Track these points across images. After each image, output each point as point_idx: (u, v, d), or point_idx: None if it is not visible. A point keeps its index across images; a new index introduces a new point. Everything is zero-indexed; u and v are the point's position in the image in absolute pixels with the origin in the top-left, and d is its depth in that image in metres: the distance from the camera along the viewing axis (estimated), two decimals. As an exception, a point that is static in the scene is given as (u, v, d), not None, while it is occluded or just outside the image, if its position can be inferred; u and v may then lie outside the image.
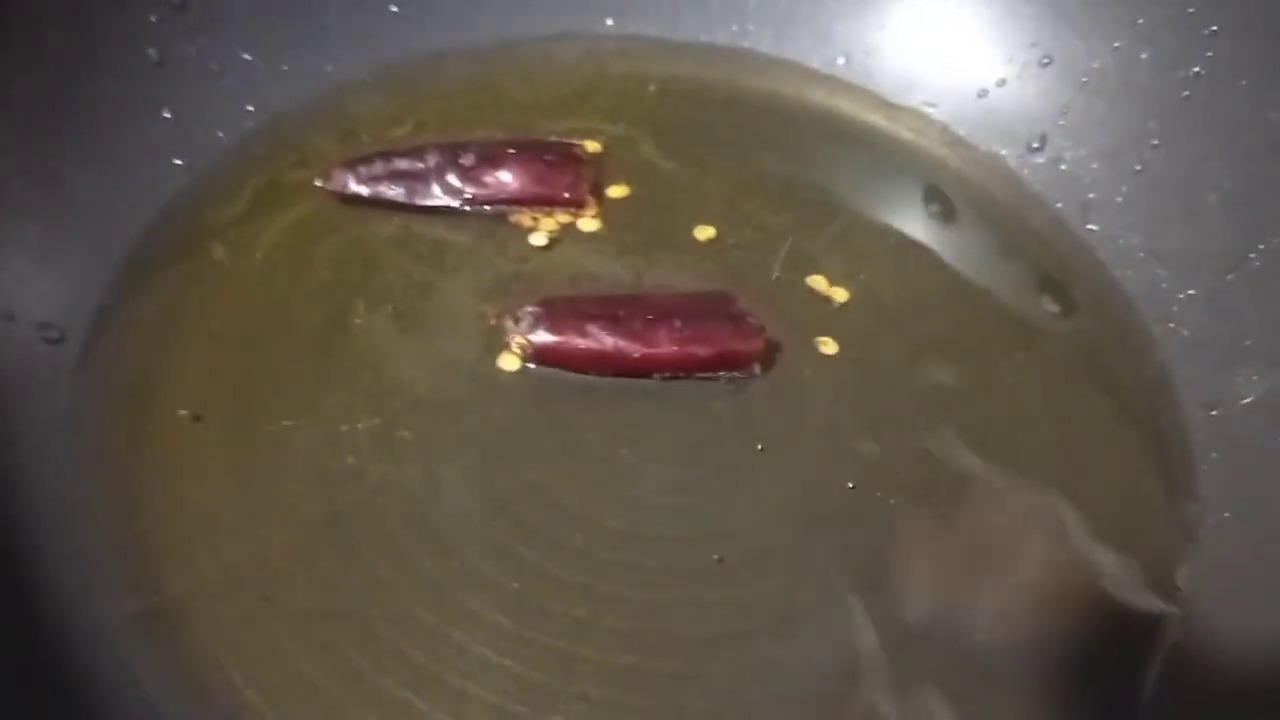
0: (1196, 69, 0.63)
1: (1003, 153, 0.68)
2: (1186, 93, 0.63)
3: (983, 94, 0.69)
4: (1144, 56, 0.65)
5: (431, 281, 0.60)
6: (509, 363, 0.57)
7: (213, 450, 0.54)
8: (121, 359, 0.56)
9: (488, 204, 0.63)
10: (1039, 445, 0.57)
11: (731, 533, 0.53)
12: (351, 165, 0.63)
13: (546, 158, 0.64)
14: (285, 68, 0.68)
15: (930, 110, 0.70)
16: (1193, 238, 0.62)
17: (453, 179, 0.63)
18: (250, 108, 0.66)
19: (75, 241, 0.58)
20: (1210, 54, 0.63)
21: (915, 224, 0.66)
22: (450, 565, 0.50)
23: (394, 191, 0.63)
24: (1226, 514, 0.55)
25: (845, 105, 0.71)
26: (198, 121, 0.64)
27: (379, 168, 0.63)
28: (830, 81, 0.72)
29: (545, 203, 0.63)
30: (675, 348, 0.56)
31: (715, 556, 0.52)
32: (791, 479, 0.55)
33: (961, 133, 0.69)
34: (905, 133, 0.70)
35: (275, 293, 0.60)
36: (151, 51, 0.63)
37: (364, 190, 0.63)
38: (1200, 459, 0.57)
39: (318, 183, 0.63)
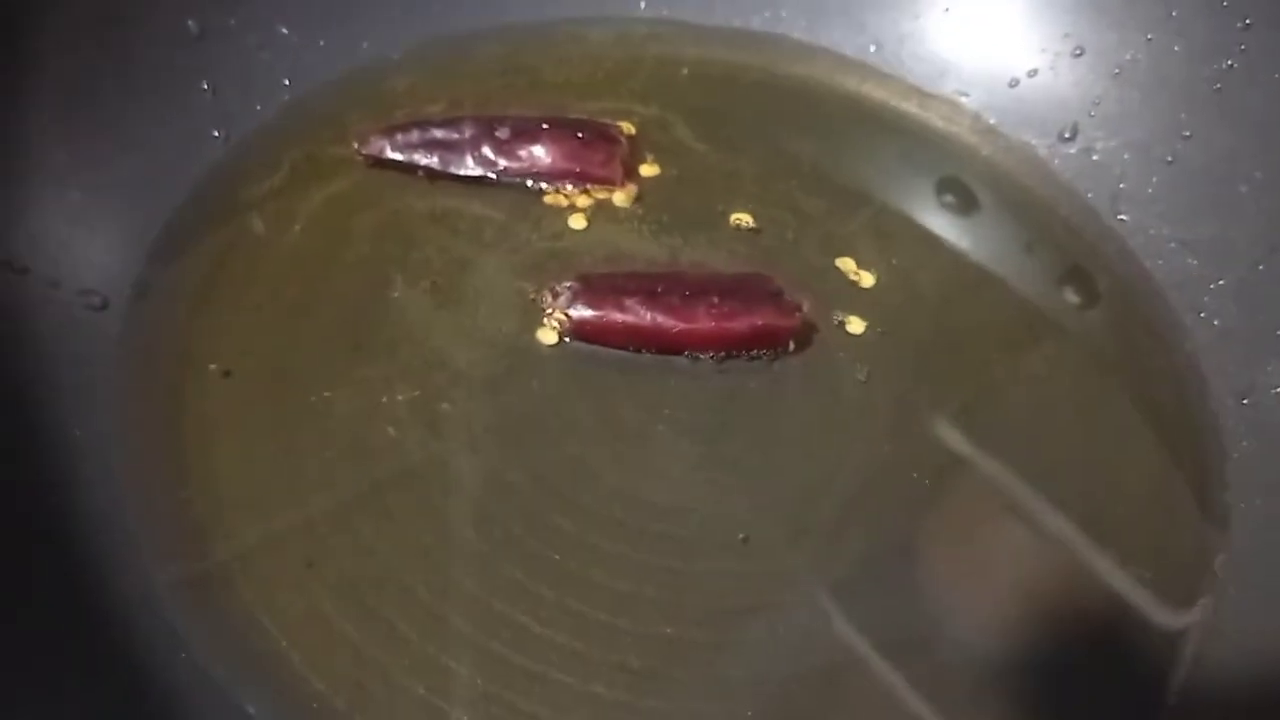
0: (1229, 61, 0.63)
1: (1034, 142, 0.69)
2: (1218, 85, 0.64)
3: (1014, 83, 0.70)
4: (1177, 48, 0.66)
5: (469, 257, 0.61)
6: (547, 337, 0.58)
7: (254, 419, 0.54)
8: (162, 328, 0.57)
9: (520, 177, 0.64)
10: (1068, 436, 0.57)
11: (763, 508, 0.53)
12: (388, 132, 0.64)
13: (581, 135, 0.64)
14: (322, 43, 0.68)
15: (962, 99, 0.71)
16: (1223, 228, 0.62)
17: (487, 151, 0.63)
18: (287, 81, 0.67)
19: (116, 211, 0.59)
20: (1243, 47, 0.63)
21: (946, 212, 0.66)
22: (493, 535, 0.51)
23: (428, 159, 0.63)
24: (1258, 501, 0.55)
25: (877, 92, 0.71)
26: (236, 94, 0.65)
27: (415, 136, 0.64)
28: (862, 68, 0.72)
29: (578, 179, 0.64)
30: (713, 323, 0.57)
31: (740, 536, 0.52)
32: (820, 460, 0.55)
33: (993, 121, 0.70)
34: (937, 121, 0.70)
35: (313, 265, 0.60)
36: (191, 23, 0.63)
37: (398, 156, 0.64)
38: (1232, 448, 0.57)
39: (354, 145, 0.64)
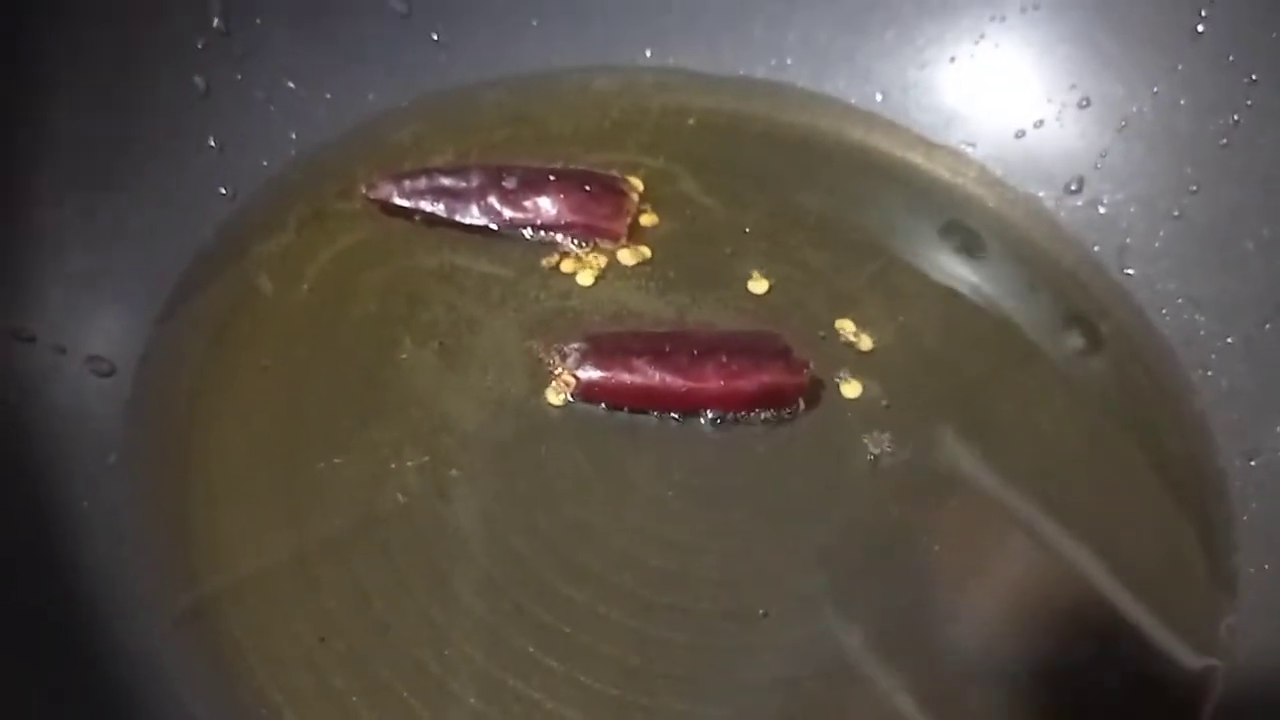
0: (1235, 116, 0.63)
1: (1040, 194, 0.69)
2: (1225, 140, 0.64)
3: (1020, 134, 0.70)
4: (1183, 102, 0.66)
5: (477, 316, 0.61)
6: (555, 398, 0.58)
7: (262, 485, 0.54)
8: (169, 393, 0.57)
9: (525, 229, 0.64)
10: (1075, 494, 0.57)
11: (777, 578, 0.53)
12: (397, 178, 0.64)
13: (588, 187, 0.64)
14: (328, 96, 0.68)
15: (968, 149, 0.71)
16: (1230, 285, 0.62)
17: (493, 200, 0.63)
18: (294, 135, 0.67)
19: (123, 273, 0.59)
20: (1250, 102, 0.63)
21: (951, 264, 0.66)
22: (502, 607, 0.51)
23: (434, 207, 0.64)
24: (1267, 566, 0.55)
25: (883, 142, 0.71)
26: (243, 150, 0.65)
27: (423, 183, 0.64)
28: (868, 118, 0.72)
29: (582, 232, 0.64)
30: (721, 382, 0.57)
31: (760, 611, 0.52)
32: (834, 523, 0.55)
33: (999, 173, 0.70)
34: (942, 171, 0.70)
35: (322, 325, 0.60)
36: (198, 80, 0.63)
37: (405, 203, 0.64)
38: (1240, 509, 0.57)
39: (362, 189, 0.64)
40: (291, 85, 0.67)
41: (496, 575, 0.52)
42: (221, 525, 0.53)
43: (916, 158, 0.71)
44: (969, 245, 0.67)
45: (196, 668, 0.49)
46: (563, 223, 0.64)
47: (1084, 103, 0.69)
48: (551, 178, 0.64)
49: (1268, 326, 0.60)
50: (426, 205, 0.64)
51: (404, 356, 0.59)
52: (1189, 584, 0.55)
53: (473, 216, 0.64)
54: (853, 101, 0.72)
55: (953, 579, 0.54)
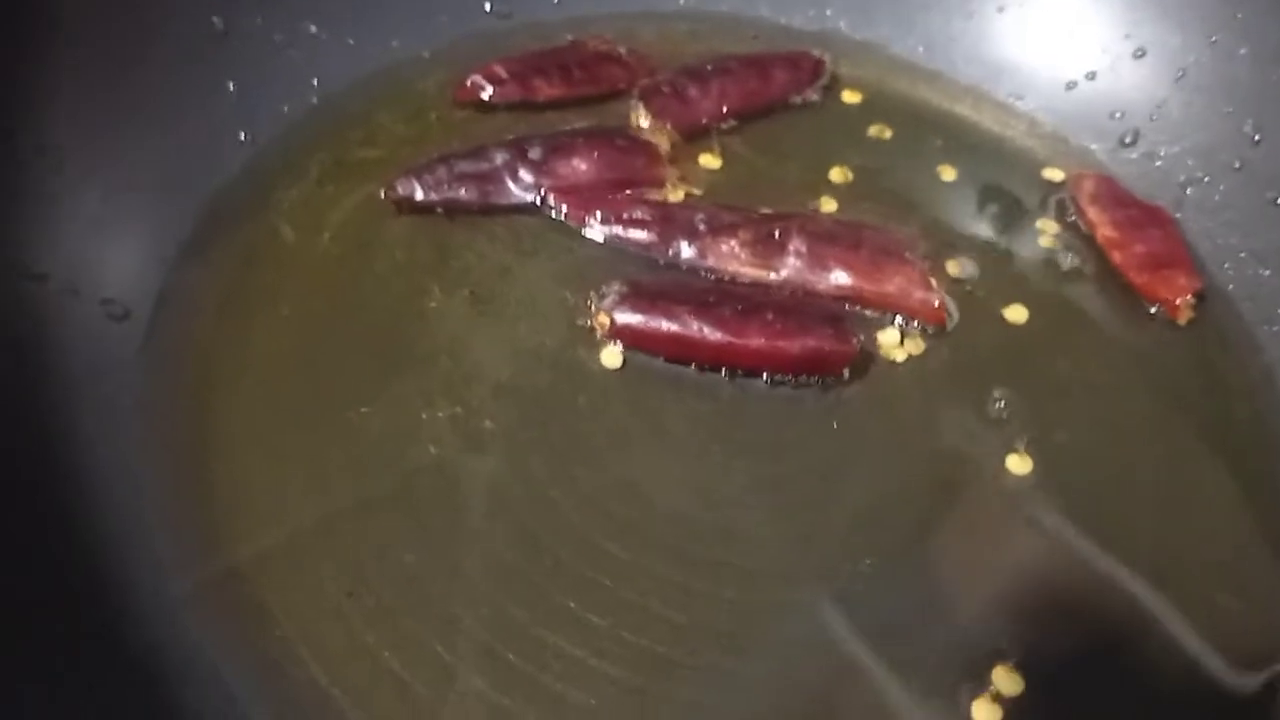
0: (1300, 64, 0.61)
1: (1093, 147, 0.66)
2: (1289, 88, 0.61)
3: (1072, 86, 0.67)
4: (1243, 51, 0.63)
5: (509, 264, 0.58)
6: (594, 349, 0.55)
7: (285, 438, 0.51)
8: (186, 339, 0.54)
9: (568, 195, 0.60)
10: (1139, 464, 0.54)
11: (821, 537, 0.50)
12: (415, 173, 0.59)
13: (619, 142, 0.62)
14: (351, 41, 0.65)
15: (1017, 102, 0.68)
16: (1297, 237, 0.60)
17: (525, 174, 0.60)
18: (315, 82, 0.64)
19: (138, 216, 0.56)
20: (1315, 48, 0.60)
21: (1000, 219, 0.63)
22: (542, 562, 0.48)
23: (465, 193, 0.59)
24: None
25: (928, 94, 0.69)
26: (262, 94, 0.62)
27: (442, 172, 0.59)
28: (913, 69, 0.69)
29: (623, 186, 0.61)
30: (764, 340, 0.54)
31: (804, 568, 0.49)
32: (880, 486, 0.52)
33: (1050, 126, 0.67)
34: (991, 125, 0.68)
35: (345, 274, 0.57)
36: (216, 20, 0.61)
37: (433, 196, 0.59)
38: (1313, 468, 0.54)
39: (382, 195, 0.59)
40: (314, 30, 0.64)
41: (534, 529, 0.49)
42: (242, 476, 0.50)
43: (964, 110, 0.68)
44: (1017, 201, 0.64)
45: (221, 623, 0.46)
46: (602, 181, 0.60)
47: (1139, 53, 0.66)
48: (580, 139, 0.61)
49: (1338, 279, 0.58)
50: (456, 194, 0.59)
51: (432, 305, 0.56)
52: (1258, 559, 0.52)
53: (509, 196, 0.60)
54: (896, 51, 0.70)
55: (1005, 555, 0.51)
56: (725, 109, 0.64)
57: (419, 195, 0.59)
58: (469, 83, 0.64)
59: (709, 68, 0.65)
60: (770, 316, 0.54)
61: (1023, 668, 0.47)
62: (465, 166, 0.59)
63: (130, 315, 0.53)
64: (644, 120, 0.63)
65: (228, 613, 0.46)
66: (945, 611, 0.48)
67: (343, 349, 0.54)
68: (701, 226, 0.57)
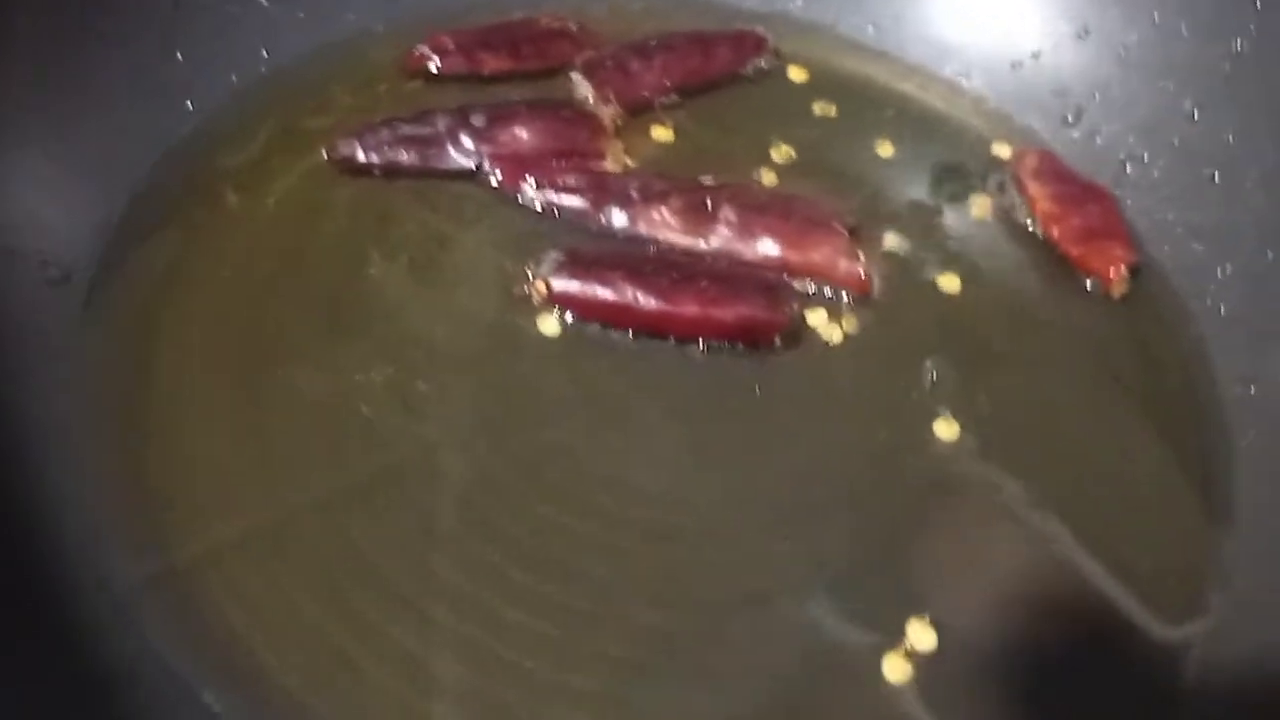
0: (1238, 43, 0.62)
1: (1036, 126, 0.67)
2: (1227, 66, 0.62)
3: (1017, 65, 0.68)
4: (1184, 30, 0.64)
5: (449, 233, 0.58)
6: (531, 316, 0.55)
7: (222, 399, 0.52)
8: (128, 304, 0.54)
9: (507, 163, 0.60)
10: (1070, 429, 0.55)
11: (751, 495, 0.51)
12: (357, 134, 0.60)
13: (563, 113, 0.62)
14: (302, 14, 0.66)
15: (962, 81, 0.69)
16: (1231, 213, 0.60)
17: (466, 140, 0.60)
18: (265, 53, 0.64)
19: (82, 179, 0.56)
20: (1252, 27, 0.61)
21: (943, 196, 0.64)
22: (470, 519, 0.49)
23: (406, 157, 0.60)
24: (1265, 493, 0.53)
25: (876, 72, 0.69)
26: (211, 65, 0.62)
27: (385, 134, 0.60)
28: (860, 49, 0.70)
29: (564, 156, 0.61)
30: (698, 308, 0.54)
31: (736, 528, 0.50)
32: (810, 452, 0.53)
33: (995, 104, 0.68)
34: (936, 103, 0.68)
35: (287, 240, 0.57)
36: (167, -10, 0.61)
37: (374, 158, 0.60)
38: (1239, 438, 0.55)
39: (324, 154, 0.60)
40: (264, 1, 0.65)
41: (464, 489, 0.50)
42: (179, 437, 0.50)
43: (910, 89, 0.69)
44: (961, 178, 0.65)
45: (152, 581, 0.46)
46: (544, 151, 0.61)
47: (1082, 32, 0.67)
48: (523, 108, 0.62)
49: (1269, 254, 0.58)
50: (397, 156, 0.60)
51: (372, 271, 0.57)
52: (1186, 517, 0.53)
53: (449, 161, 0.60)
54: (845, 31, 0.71)
55: (934, 514, 0.52)
56: (668, 83, 0.65)
57: (360, 157, 0.60)
58: (416, 53, 0.65)
59: (652, 43, 0.66)
60: (705, 284, 0.55)
61: (939, 624, 0.47)
62: (408, 130, 0.60)
63: (70, 279, 0.54)
64: (587, 93, 0.63)
65: (174, 593, 0.46)
66: (868, 567, 0.49)
67: (282, 313, 0.55)
68: (634, 194, 0.58)
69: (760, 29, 0.68)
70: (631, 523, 0.49)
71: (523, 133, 0.61)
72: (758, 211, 0.57)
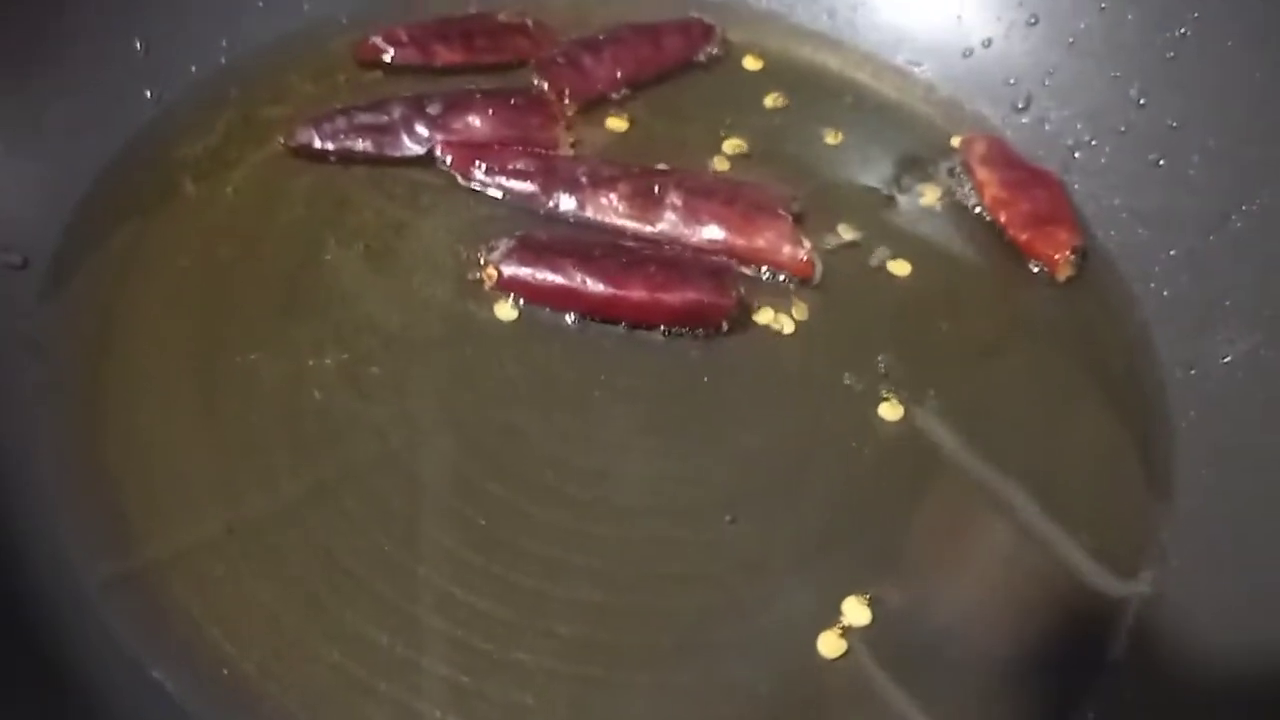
0: (1183, 30, 0.63)
1: (987, 113, 0.68)
2: (1172, 54, 0.63)
3: (968, 53, 0.69)
4: (1130, 17, 0.65)
5: (405, 220, 0.59)
6: (483, 301, 0.56)
7: (180, 386, 0.52)
8: (87, 290, 0.55)
9: (458, 149, 0.61)
10: (1017, 408, 0.56)
11: (699, 475, 0.52)
12: (314, 121, 0.61)
13: (515, 101, 0.63)
14: (261, 4, 0.66)
15: (915, 69, 0.70)
16: (1175, 198, 0.61)
17: (420, 128, 0.61)
18: (224, 42, 0.65)
19: (40, 167, 0.57)
20: (1196, 15, 0.62)
21: (895, 184, 0.65)
22: (420, 501, 0.50)
23: (362, 144, 0.61)
24: (1203, 472, 0.54)
25: (831, 61, 0.70)
26: (170, 54, 0.63)
27: (341, 122, 0.61)
28: (815, 37, 0.71)
29: (517, 144, 0.62)
30: (645, 293, 0.55)
31: (681, 507, 0.51)
32: (758, 436, 0.54)
33: (946, 92, 0.69)
34: (890, 91, 0.69)
35: (245, 227, 0.58)
36: (125, -21, 0.62)
37: (329, 145, 0.61)
38: (1179, 418, 0.56)
39: (281, 142, 0.61)
40: (224, -10, 0.65)
41: (414, 470, 0.51)
42: (136, 421, 0.51)
43: (864, 77, 0.70)
44: (912, 164, 0.66)
45: (108, 571, 0.47)
46: (497, 138, 0.62)
47: (1032, 20, 0.68)
48: (477, 96, 0.62)
49: (1211, 238, 0.59)
50: (353, 144, 0.60)
51: (328, 258, 0.57)
52: (1128, 493, 0.54)
53: (403, 148, 0.61)
54: (800, 20, 0.71)
55: (885, 487, 0.53)
56: (620, 76, 0.65)
57: (316, 143, 0.60)
58: (369, 43, 0.65)
59: (601, 37, 0.66)
60: (653, 269, 0.55)
61: (882, 598, 0.49)
62: (364, 118, 0.61)
63: (28, 265, 0.55)
64: (543, 91, 0.64)
65: (125, 579, 0.47)
66: (814, 546, 0.50)
67: (238, 299, 0.56)
68: (583, 179, 0.59)
69: (706, 18, 0.69)
70: (575, 502, 0.50)
71: (477, 120, 0.62)
72: (704, 197, 0.58)
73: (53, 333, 0.54)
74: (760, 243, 0.58)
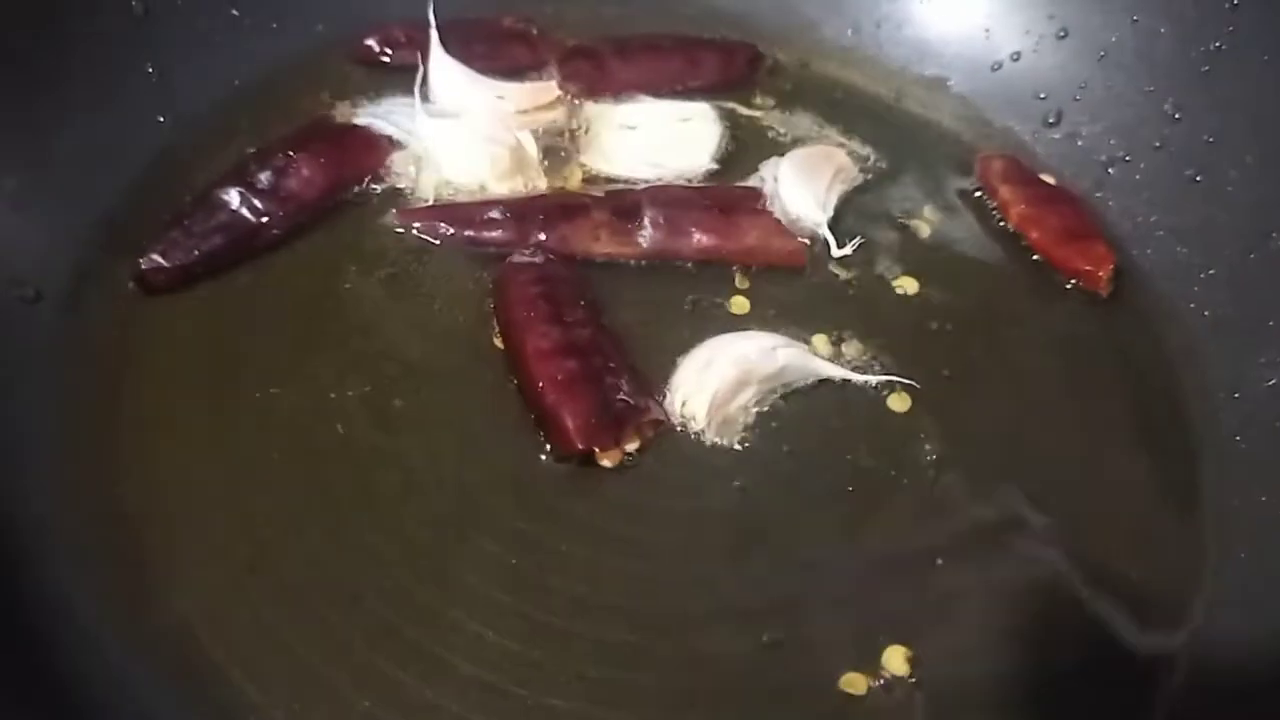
0: (1217, 43, 0.61)
1: (1017, 127, 0.67)
2: (1207, 67, 0.62)
3: (997, 67, 0.68)
4: (1163, 30, 0.63)
5: (426, 245, 0.58)
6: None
7: (195, 418, 0.51)
8: (100, 322, 0.54)
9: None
10: (1052, 436, 0.55)
11: (735, 508, 0.50)
12: (160, 251, 0.54)
13: (340, 139, 0.60)
14: (274, 25, 0.65)
15: (943, 83, 0.68)
16: (1213, 215, 0.60)
17: (260, 203, 0.56)
18: (237, 65, 0.64)
19: (54, 196, 0.56)
20: (1231, 28, 0.61)
21: (926, 199, 0.64)
22: (446, 539, 0.48)
23: (217, 242, 0.55)
24: (1250, 499, 0.53)
25: (856, 77, 0.69)
26: (182, 78, 0.62)
27: (179, 236, 0.55)
28: (841, 52, 0.70)
29: (358, 179, 0.59)
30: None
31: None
32: (795, 464, 0.52)
33: (975, 106, 0.68)
34: (916, 106, 0.68)
35: (262, 256, 0.57)
36: (135, 4, 0.60)
37: (181, 261, 0.55)
38: (1225, 444, 0.55)
39: (130, 286, 0.54)
40: (235, 13, 0.64)
41: (442, 509, 0.49)
42: (152, 457, 0.50)
43: (891, 93, 0.69)
44: (941, 178, 0.64)
45: (124, 603, 0.46)
46: (338, 180, 0.58)
47: (1062, 33, 0.66)
48: (299, 153, 0.58)
49: (1252, 255, 0.58)
50: (207, 249, 0.55)
51: (347, 286, 0.56)
52: (1170, 524, 0.53)
53: (257, 235, 0.56)
54: (825, 34, 0.70)
55: (919, 529, 0.51)
56: (643, 84, 0.64)
57: (167, 265, 0.54)
58: (366, 43, 0.65)
59: (637, 43, 0.65)
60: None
61: (915, 643, 0.47)
62: (201, 225, 0.55)
63: (42, 298, 0.53)
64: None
65: (145, 613, 0.46)
66: (852, 589, 0.49)
67: (257, 330, 0.54)
68: (555, 215, 0.57)
69: (759, 44, 0.68)
70: (610, 539, 0.49)
71: (307, 171, 0.58)
72: (682, 207, 0.57)
73: (67, 367, 0.52)
74: (750, 241, 0.57)
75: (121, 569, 0.47)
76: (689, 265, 0.58)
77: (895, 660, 0.46)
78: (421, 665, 0.45)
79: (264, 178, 0.57)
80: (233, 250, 0.56)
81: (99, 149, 0.58)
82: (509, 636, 0.46)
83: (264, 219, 0.56)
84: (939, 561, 0.50)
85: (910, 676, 0.46)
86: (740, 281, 0.58)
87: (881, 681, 0.46)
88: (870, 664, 0.46)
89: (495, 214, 0.58)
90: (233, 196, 0.56)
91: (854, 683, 0.46)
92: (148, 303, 0.54)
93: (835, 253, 0.59)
